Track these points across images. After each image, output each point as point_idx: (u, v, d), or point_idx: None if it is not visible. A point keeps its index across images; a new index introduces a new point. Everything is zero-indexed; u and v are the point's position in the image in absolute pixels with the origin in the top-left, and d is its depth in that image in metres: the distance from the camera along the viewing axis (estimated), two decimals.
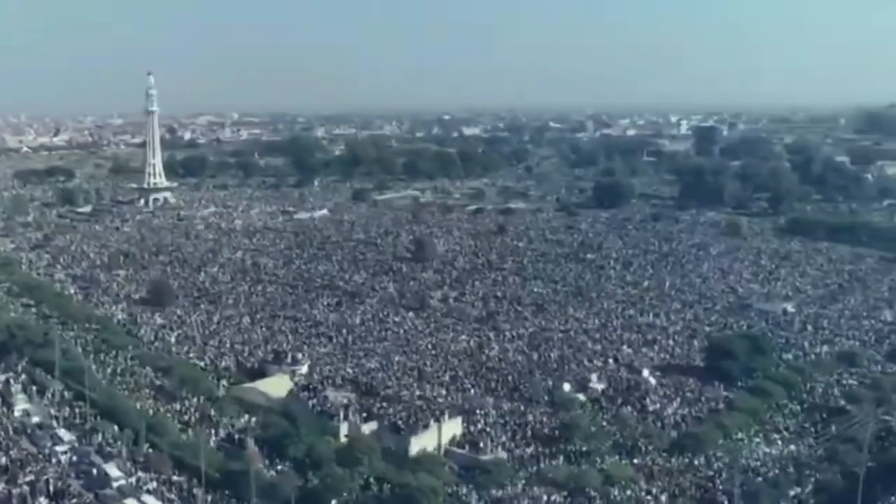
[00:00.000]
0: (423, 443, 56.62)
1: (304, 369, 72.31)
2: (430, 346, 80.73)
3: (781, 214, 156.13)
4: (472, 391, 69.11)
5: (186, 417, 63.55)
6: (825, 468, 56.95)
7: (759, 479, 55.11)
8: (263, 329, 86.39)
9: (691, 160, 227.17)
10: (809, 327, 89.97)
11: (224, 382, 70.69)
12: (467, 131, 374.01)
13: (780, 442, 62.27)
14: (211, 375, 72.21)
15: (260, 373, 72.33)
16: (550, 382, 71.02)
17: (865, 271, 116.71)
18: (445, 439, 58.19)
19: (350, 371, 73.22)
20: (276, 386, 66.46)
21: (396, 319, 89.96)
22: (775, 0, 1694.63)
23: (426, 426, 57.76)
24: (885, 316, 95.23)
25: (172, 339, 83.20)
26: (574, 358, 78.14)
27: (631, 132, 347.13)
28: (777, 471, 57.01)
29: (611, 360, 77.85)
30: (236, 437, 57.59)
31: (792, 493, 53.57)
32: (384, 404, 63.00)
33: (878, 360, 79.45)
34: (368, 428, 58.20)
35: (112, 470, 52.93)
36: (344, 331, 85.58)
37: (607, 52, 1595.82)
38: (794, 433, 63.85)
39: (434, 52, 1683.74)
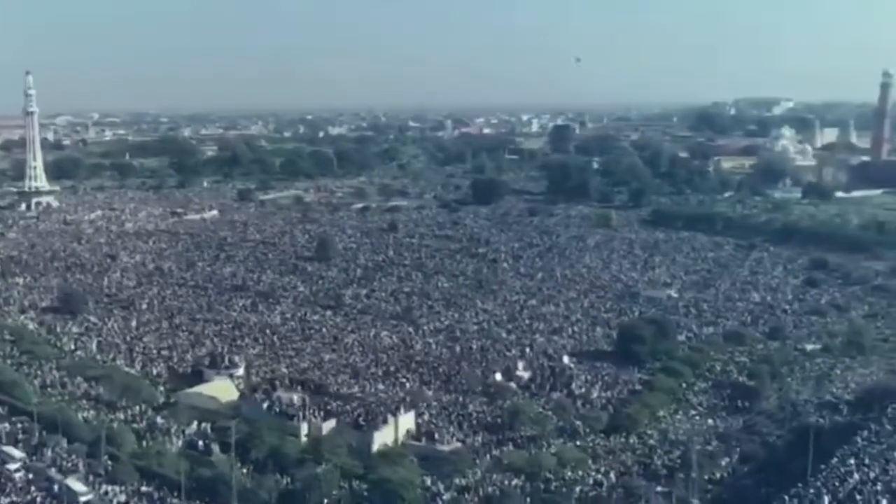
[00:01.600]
0: (383, 438, 55.86)
1: (240, 371, 70.11)
2: (356, 343, 79.30)
3: (642, 207, 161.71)
4: (408, 385, 68.66)
5: (135, 426, 60.53)
6: (746, 439, 59.37)
7: (689, 452, 57.07)
8: (187, 333, 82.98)
9: (555, 157, 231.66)
10: (693, 311, 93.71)
11: (161, 389, 67.87)
12: (333, 131, 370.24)
13: (697, 417, 64.61)
14: (147, 382, 69.03)
15: (196, 377, 69.50)
16: (479, 372, 71.62)
17: (726, 258, 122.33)
18: (401, 433, 57.61)
19: (285, 371, 71.55)
20: (223, 390, 63.93)
21: (316, 318, 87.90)
22: (602, 4, 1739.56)
23: (385, 421, 56.91)
24: (753, 297, 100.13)
25: (94, 347, 78.73)
26: (493, 348, 78.39)
27: (487, 130, 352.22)
28: (704, 444, 59.18)
29: (528, 349, 78.76)
30: (199, 442, 55.25)
31: (723, 462, 55.59)
32: (338, 402, 61.65)
33: (758, 339, 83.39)
34: (328, 426, 56.70)
35: (75, 485, 49.64)
36: (268, 331, 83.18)
37: (462, 54, 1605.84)
38: (707, 408, 66.29)
39: (296, 53, 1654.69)
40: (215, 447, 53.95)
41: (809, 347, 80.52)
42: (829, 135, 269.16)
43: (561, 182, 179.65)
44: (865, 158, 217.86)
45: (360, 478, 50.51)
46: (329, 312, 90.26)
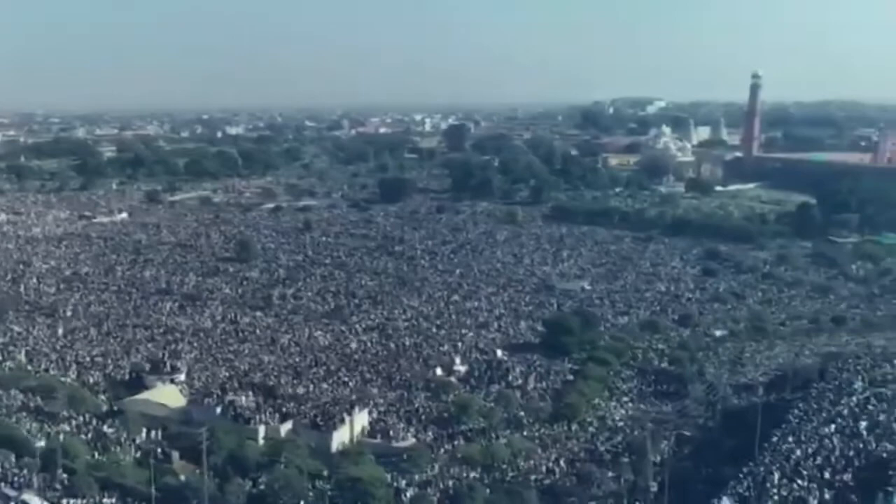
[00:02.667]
0: (340, 437, 55.00)
1: (181, 377, 67.86)
2: (292, 344, 77.87)
3: (542, 203, 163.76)
4: (351, 384, 67.77)
5: (84, 437, 57.85)
6: (681, 423, 60.97)
7: (636, 437, 58.21)
8: (118, 339, 79.50)
9: (457, 156, 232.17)
10: (606, 301, 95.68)
11: (103, 397, 65.05)
12: (231, 130, 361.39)
13: (630, 403, 66.02)
14: (87, 391, 65.91)
15: (137, 384, 66.80)
16: (418, 368, 71.37)
17: (627, 250, 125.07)
18: (356, 432, 56.86)
19: (226, 374, 69.52)
20: (169, 396, 61.64)
21: (247, 320, 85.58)
22: (486, 6, 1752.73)
23: (342, 421, 56.06)
24: (659, 287, 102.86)
25: (23, 357, 74.69)
26: (426, 344, 78.05)
27: (383, 130, 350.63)
28: (640, 429, 60.44)
29: (459, 344, 78.85)
30: (158, 450, 53.16)
31: (663, 445, 56.92)
32: (293, 403, 60.36)
33: (671, 326, 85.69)
34: (284, 428, 55.51)
35: (32, 500, 47.24)
36: (202, 334, 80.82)
37: (353, 54, 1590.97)
38: (637, 395, 67.70)
39: (188, 52, 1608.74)
40: (175, 454, 52.01)
41: (718, 333, 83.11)
42: (703, 132, 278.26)
43: (464, 180, 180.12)
44: (738, 154, 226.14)
45: (326, 478, 49.71)
46: (259, 313, 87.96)
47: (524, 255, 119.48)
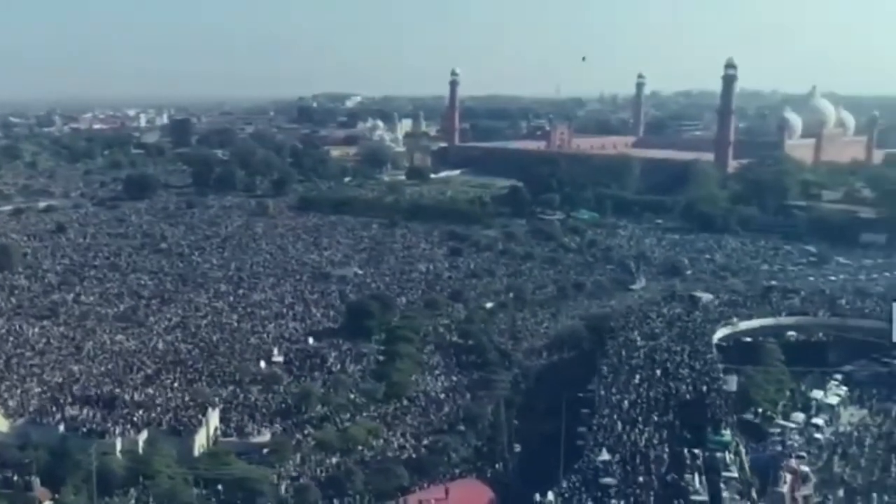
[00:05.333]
0: (200, 440, 51.64)
1: None
2: (98, 351, 70.73)
3: (286, 195, 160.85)
4: (177, 385, 63.39)
5: None
6: (497, 389, 63.45)
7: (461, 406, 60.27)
8: None
9: (188, 151, 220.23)
10: (381, 284, 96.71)
11: None
12: None
13: (442, 376, 67.84)
14: None
15: None
16: (238, 363, 68.17)
17: (378, 236, 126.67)
18: (210, 433, 53.60)
19: (38, 389, 61.79)
20: None
21: (35, 330, 76.39)
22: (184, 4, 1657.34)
23: (199, 423, 52.53)
24: (420, 268, 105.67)
25: None
26: (233, 339, 74.81)
27: (98, 126, 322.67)
28: (462, 398, 62.57)
29: (266, 335, 76.32)
30: (15, 478, 46.46)
31: (490, 409, 59.19)
32: (141, 411, 55.23)
33: (447, 303, 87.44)
34: (141, 438, 51.01)
35: None
36: None
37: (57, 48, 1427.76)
38: (445, 368, 69.62)
39: None
40: (36, 480, 45.81)
41: (488, 305, 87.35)
42: (406, 125, 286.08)
43: (205, 175, 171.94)
44: (443, 144, 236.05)
45: (206, 482, 46.61)
46: (47, 322, 78.86)
47: (288, 246, 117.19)
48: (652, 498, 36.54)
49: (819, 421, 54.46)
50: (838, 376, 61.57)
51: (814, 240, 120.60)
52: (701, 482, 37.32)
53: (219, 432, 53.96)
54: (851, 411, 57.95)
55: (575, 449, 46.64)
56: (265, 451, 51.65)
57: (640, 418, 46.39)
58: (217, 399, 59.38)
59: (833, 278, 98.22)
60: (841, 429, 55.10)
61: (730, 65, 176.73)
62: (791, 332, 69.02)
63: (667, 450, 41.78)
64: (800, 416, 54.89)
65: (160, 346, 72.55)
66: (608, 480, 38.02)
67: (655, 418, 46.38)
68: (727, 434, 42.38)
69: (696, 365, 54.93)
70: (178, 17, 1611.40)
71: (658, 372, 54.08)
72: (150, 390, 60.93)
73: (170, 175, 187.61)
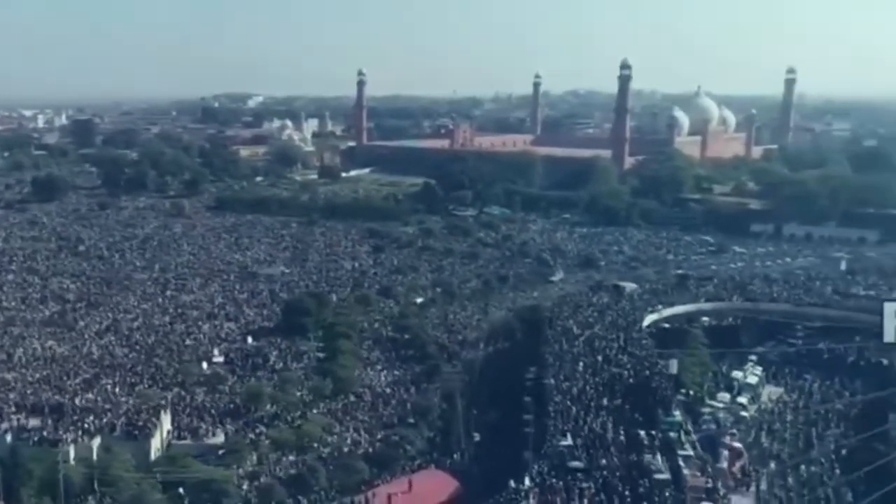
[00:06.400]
0: (155, 444, 49.76)
1: None
2: (30, 358, 66.67)
3: (200, 195, 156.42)
4: (118, 389, 60.78)
5: None
6: (434, 386, 63.16)
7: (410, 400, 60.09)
8: None
9: (93, 152, 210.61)
10: (309, 282, 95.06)
11: None
12: None
13: (384, 371, 67.32)
14: None
15: None
16: (179, 365, 65.90)
17: (298, 235, 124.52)
18: (164, 436, 51.73)
19: None
20: None
21: None
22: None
23: (154, 427, 50.56)
24: (345, 266, 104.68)
25: None
26: (168, 340, 72.31)
27: None
28: (404, 391, 62.37)
29: (202, 336, 74.09)
30: None
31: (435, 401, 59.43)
32: (92, 417, 52.56)
33: (378, 299, 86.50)
34: (95, 444, 48.69)
35: None
36: None
37: None
38: (386, 362, 69.25)
39: None
40: None
41: (419, 300, 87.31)
42: (312, 124, 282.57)
43: (114, 176, 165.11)
44: (352, 143, 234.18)
45: (169, 485, 44.95)
46: None
47: (209, 246, 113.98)
48: (618, 479, 37.47)
49: (743, 400, 57.17)
50: (753, 357, 64.66)
51: (710, 230, 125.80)
52: (662, 461, 38.52)
53: (171, 436, 52.06)
54: (770, 389, 61.06)
55: (528, 436, 47.47)
56: (221, 452, 50.14)
57: (592, 403, 47.42)
58: (164, 402, 57.29)
59: (733, 266, 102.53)
60: (763, 406, 58.07)
61: (625, 66, 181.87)
62: (705, 318, 71.92)
63: (622, 432, 42.91)
64: (725, 396, 57.46)
65: (94, 350, 69.31)
66: (576, 464, 38.76)
67: (606, 403, 47.51)
68: (677, 415, 43.88)
69: (633, 351, 56.55)
70: (70, 17, 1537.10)
71: (599, 358, 55.38)
72: (91, 395, 58.26)
73: (76, 176, 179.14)
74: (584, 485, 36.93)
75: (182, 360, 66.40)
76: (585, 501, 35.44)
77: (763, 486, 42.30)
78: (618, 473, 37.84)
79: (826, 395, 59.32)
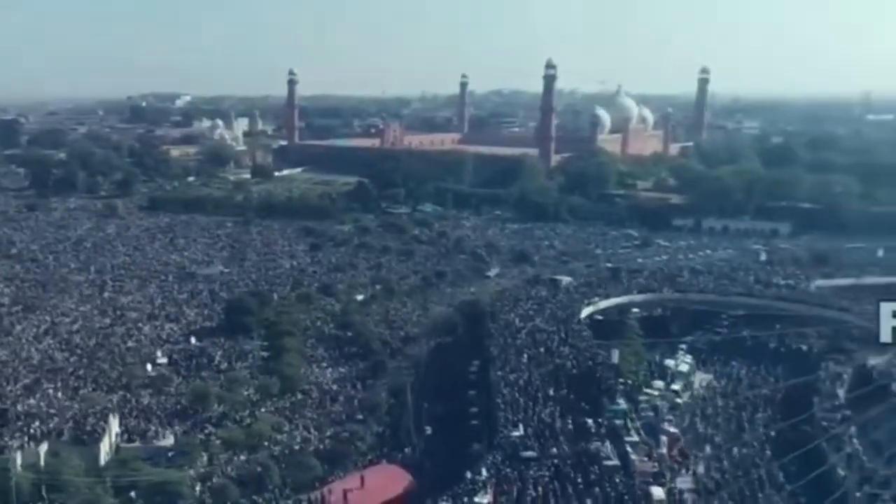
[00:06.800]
0: (104, 448, 48.20)
1: None
2: None
3: (132, 195, 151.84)
4: (60, 394, 58.56)
5: None
6: (380, 381, 62.83)
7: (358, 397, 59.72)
8: None
9: (19, 153, 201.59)
10: (249, 281, 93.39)
11: None
12: None
13: (329, 368, 66.71)
14: None
15: None
16: (123, 368, 63.98)
17: (234, 234, 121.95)
18: (112, 439, 50.17)
19: None
20: None
21: None
22: None
23: (102, 431, 48.93)
24: (284, 265, 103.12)
25: None
26: (110, 342, 69.87)
27: None
28: (350, 387, 61.91)
29: (143, 338, 72.14)
30: None
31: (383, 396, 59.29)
32: (37, 423, 50.51)
33: (318, 297, 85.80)
34: (42, 450, 46.87)
35: None
36: None
37: None
38: (330, 359, 68.56)
39: None
40: None
41: (360, 298, 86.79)
42: (242, 124, 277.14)
43: (43, 176, 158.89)
44: (283, 143, 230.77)
45: (127, 489, 43.62)
46: None
47: (145, 246, 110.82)
48: (569, 466, 38.07)
49: (677, 387, 58.51)
50: (683, 346, 66.38)
51: (634, 225, 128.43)
52: (610, 448, 39.30)
53: (119, 439, 50.56)
54: (700, 376, 62.80)
55: (477, 428, 47.86)
56: (171, 453, 49.00)
57: (539, 394, 47.98)
58: (109, 405, 55.59)
59: (658, 259, 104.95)
60: (695, 393, 59.71)
61: (549, 65, 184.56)
62: (635, 309, 73.55)
63: (570, 422, 43.57)
64: (660, 384, 58.70)
65: (34, 355, 66.64)
66: (528, 454, 39.21)
67: (552, 393, 48.14)
68: (622, 403, 44.80)
69: (574, 342, 57.44)
70: None
71: (542, 350, 56.07)
72: (34, 401, 56.07)
73: (2, 178, 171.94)
74: (538, 474, 37.38)
75: (125, 363, 64.45)
76: (540, 490, 35.83)
77: (700, 470, 43.68)
78: (569, 461, 38.42)
79: (753, 381, 61.36)
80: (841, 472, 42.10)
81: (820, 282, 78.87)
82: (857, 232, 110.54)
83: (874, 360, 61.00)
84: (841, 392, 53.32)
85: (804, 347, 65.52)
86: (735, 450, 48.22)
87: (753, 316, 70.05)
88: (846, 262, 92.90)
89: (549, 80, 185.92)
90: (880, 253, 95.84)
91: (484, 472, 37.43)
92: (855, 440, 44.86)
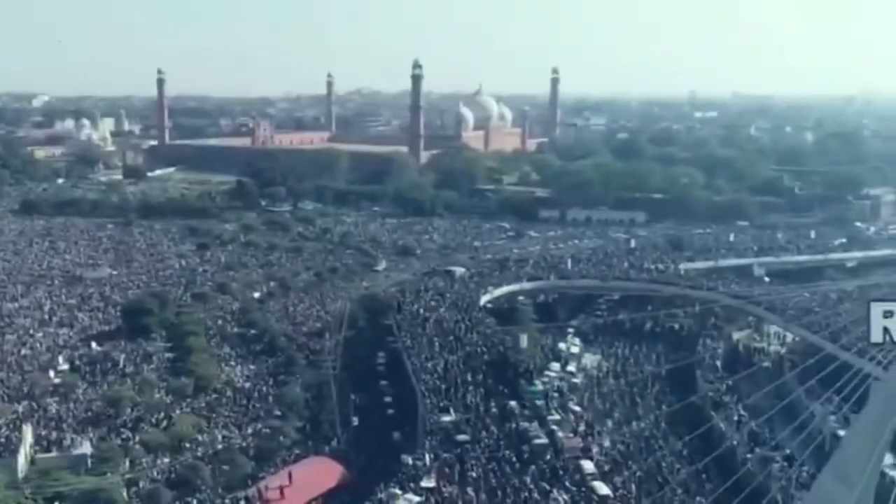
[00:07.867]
0: (21, 459, 44.31)
1: None
2: None
3: (1, 198, 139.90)
4: None
5: None
6: (291, 377, 60.83)
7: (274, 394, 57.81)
8: None
9: None
10: (140, 282, 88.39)
11: None
12: None
13: (238, 367, 64.08)
14: None
15: None
16: (21, 377, 58.89)
17: (117, 236, 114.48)
18: (27, 450, 46.17)
19: None
20: None
21: None
22: None
23: (18, 441, 44.89)
24: (173, 265, 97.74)
25: None
26: (2, 351, 63.94)
27: None
28: (262, 384, 59.93)
29: (38, 345, 66.65)
30: None
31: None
32: None
33: (214, 296, 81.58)
34: None
35: None
36: None
37: None
38: (239, 356, 65.79)
39: None
40: None
41: (257, 295, 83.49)
42: (108, 124, 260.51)
43: None
44: (153, 142, 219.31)
45: (51, 499, 40.29)
46: None
47: (24, 251, 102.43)
48: (502, 447, 38.65)
49: (572, 368, 60.43)
50: (571, 329, 68.64)
51: (505, 217, 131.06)
52: (537, 427, 40.17)
53: (32, 450, 46.72)
54: (589, 357, 65.06)
55: (400, 415, 47.65)
56: (91, 461, 45.76)
57: (458, 380, 48.31)
58: (15, 415, 51.28)
59: (531, 249, 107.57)
60: (588, 373, 61.80)
61: (416, 65, 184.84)
62: (520, 297, 75.26)
63: (493, 404, 44.18)
64: (556, 366, 60.36)
65: None
66: (462, 437, 39.46)
67: (470, 378, 48.60)
68: (539, 384, 45.85)
69: (480, 329, 58.17)
70: None
71: (451, 338, 56.42)
72: None
73: None
74: (474, 455, 37.72)
75: (24, 371, 59.63)
76: (480, 471, 36.19)
77: (606, 444, 45.29)
78: (501, 442, 38.98)
79: (637, 359, 64.20)
80: (732, 440, 44.28)
81: (684, 265, 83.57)
82: (703, 219, 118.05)
83: (738, 335, 65.87)
84: (719, 363, 56.80)
85: (676, 326, 69.26)
86: (633, 423, 50.27)
87: (628, 298, 73.42)
88: (698, 246, 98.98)
89: (417, 79, 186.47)
90: (731, 237, 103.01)
91: (426, 456, 37.33)
92: (739, 406, 47.92)
